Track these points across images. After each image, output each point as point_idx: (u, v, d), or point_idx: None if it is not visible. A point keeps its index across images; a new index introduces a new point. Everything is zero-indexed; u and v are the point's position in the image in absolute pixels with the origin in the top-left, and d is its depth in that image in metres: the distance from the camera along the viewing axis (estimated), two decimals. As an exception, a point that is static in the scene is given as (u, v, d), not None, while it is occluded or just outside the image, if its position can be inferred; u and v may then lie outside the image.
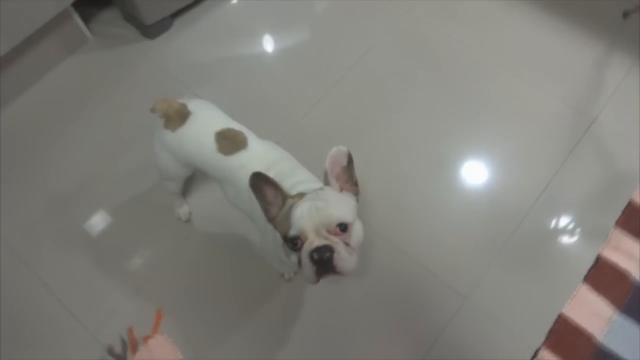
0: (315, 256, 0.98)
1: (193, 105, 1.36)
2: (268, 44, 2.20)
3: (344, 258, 0.99)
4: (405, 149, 1.89)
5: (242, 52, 2.15)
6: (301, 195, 1.08)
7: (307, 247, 1.00)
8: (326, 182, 1.10)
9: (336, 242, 1.00)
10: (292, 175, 1.25)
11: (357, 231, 1.06)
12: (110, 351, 1.55)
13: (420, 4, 2.23)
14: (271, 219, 1.11)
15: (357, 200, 1.13)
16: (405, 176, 1.84)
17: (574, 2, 2.20)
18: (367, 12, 2.23)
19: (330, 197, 1.05)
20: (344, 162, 1.08)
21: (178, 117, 1.33)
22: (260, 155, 1.29)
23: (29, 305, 1.64)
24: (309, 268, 1.00)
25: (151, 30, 2.16)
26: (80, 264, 1.71)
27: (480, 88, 2.02)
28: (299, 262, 1.03)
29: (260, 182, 1.05)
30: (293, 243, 1.02)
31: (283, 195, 1.08)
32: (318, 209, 1.02)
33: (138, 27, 2.19)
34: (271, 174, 1.12)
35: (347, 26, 2.21)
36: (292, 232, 1.01)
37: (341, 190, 1.10)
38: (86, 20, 2.18)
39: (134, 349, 1.55)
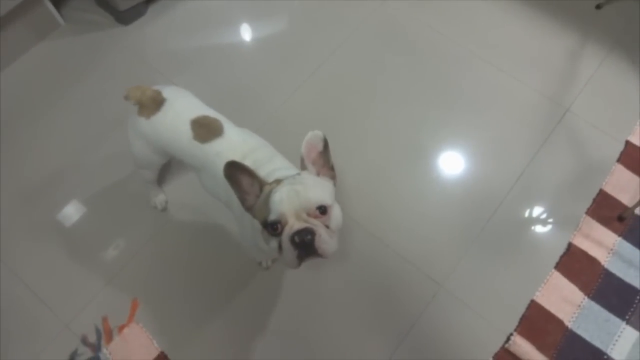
0: (297, 239, 0.98)
1: (168, 92, 1.34)
2: (246, 33, 2.17)
3: (325, 240, 1.00)
4: (382, 138, 1.90)
5: (219, 41, 2.13)
6: (278, 181, 1.08)
7: (288, 231, 1.00)
8: (303, 167, 1.10)
9: (316, 224, 1.01)
10: (269, 162, 1.24)
11: (336, 214, 1.07)
12: (84, 340, 1.54)
13: (399, -7, 2.24)
14: (248, 208, 1.10)
15: (335, 185, 1.13)
16: (382, 164, 1.85)
17: (549, -7, 2.23)
18: (344, 1, 2.22)
19: (309, 181, 1.06)
20: (320, 146, 1.08)
21: (152, 104, 1.31)
22: (236, 143, 1.28)
23: (2, 298, 1.61)
24: (290, 252, 1.00)
25: (125, 17, 2.12)
26: (54, 255, 1.68)
27: (456, 77, 2.03)
28: (280, 247, 1.03)
29: (235, 170, 1.05)
30: (273, 228, 1.02)
31: (260, 183, 1.08)
32: (297, 192, 1.02)
33: (112, 12, 2.14)
34: (248, 162, 1.11)
35: (325, 15, 2.19)
36: (272, 217, 1.01)
37: (318, 174, 1.11)
38: (57, 5, 2.12)
39: (109, 339, 1.53)
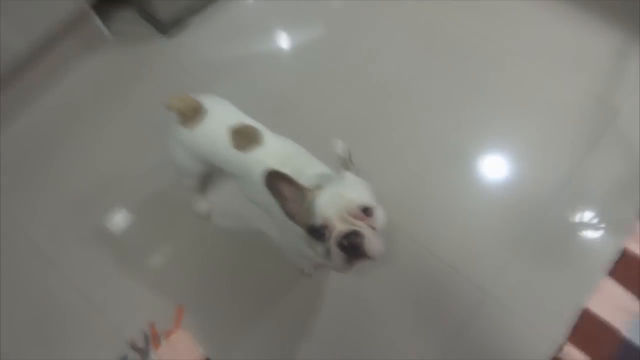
0: (345, 242, 0.98)
1: (208, 101, 1.37)
2: (283, 41, 2.19)
3: (373, 242, 0.99)
4: (421, 141, 1.88)
5: (258, 50, 2.15)
6: (319, 187, 1.08)
7: (336, 235, 0.99)
8: (345, 168, 1.10)
9: (362, 226, 1.00)
10: (308, 168, 1.25)
11: (380, 215, 1.06)
12: (133, 345, 1.58)
13: (437, -4, 2.21)
14: (291, 216, 1.11)
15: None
16: (423, 168, 1.82)
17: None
18: (380, 6, 2.21)
19: (350, 183, 1.06)
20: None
21: (193, 113, 1.34)
22: (275, 150, 1.29)
23: (56, 303, 1.68)
24: (339, 256, 1.00)
25: (168, 28, 2.18)
26: (103, 261, 1.73)
27: (497, 78, 1.99)
28: (327, 253, 1.03)
29: (275, 180, 1.05)
30: (319, 233, 1.02)
31: (301, 190, 1.08)
32: (340, 195, 1.02)
33: (155, 25, 2.20)
34: (287, 169, 1.12)
35: (362, 19, 2.19)
36: (317, 222, 1.01)
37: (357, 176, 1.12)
38: (104, 19, 2.20)
39: (157, 344, 1.57)
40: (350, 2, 2.25)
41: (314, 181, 1.15)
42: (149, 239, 1.77)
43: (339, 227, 1.00)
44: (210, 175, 1.77)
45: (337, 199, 1.02)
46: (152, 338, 1.58)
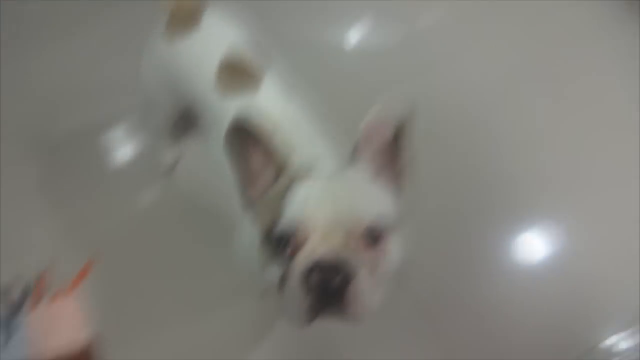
0: (315, 277, 0.57)
1: (212, 13, 0.97)
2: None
3: (365, 291, 0.58)
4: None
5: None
6: (308, 171, 0.67)
7: (305, 259, 0.59)
8: (359, 157, 0.67)
9: (357, 259, 0.60)
10: (309, 145, 0.85)
11: (395, 248, 0.65)
12: (5, 292, 1.17)
13: None
14: (248, 201, 0.70)
15: (399, 202, 0.71)
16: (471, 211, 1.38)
17: None
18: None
19: (359, 184, 0.65)
20: (390, 132, 0.67)
21: (185, 19, 0.95)
22: (272, 104, 0.89)
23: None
24: (297, 297, 0.59)
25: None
26: (34, 174, 1.35)
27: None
28: (281, 282, 0.62)
29: (243, 135, 0.65)
30: (280, 243, 0.62)
31: (278, 165, 0.67)
32: (337, 196, 0.62)
33: None
34: (278, 135, 0.72)
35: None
36: (284, 224, 0.61)
37: (377, 176, 0.69)
38: None
39: (35, 303, 1.16)
40: None
41: (306, 165, 0.74)
42: (90, 172, 1.38)
43: (316, 245, 0.59)
44: (185, 117, 1.38)
45: (331, 198, 0.62)
46: (35, 292, 1.18)
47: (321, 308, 0.58)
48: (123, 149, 1.40)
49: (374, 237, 0.61)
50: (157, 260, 1.25)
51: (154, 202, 1.32)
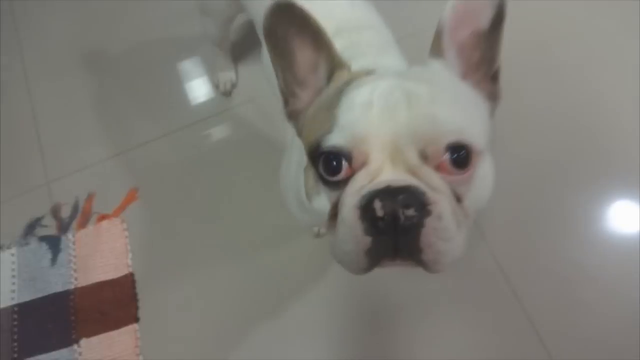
0: (378, 209, 0.41)
1: None
2: None
3: (446, 231, 0.42)
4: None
5: None
6: (369, 73, 0.51)
7: (365, 180, 0.44)
8: (442, 49, 0.50)
9: (437, 188, 0.43)
10: (376, 55, 0.67)
11: (485, 175, 0.48)
12: (55, 211, 1.14)
13: None
14: (292, 113, 0.55)
15: (493, 114, 0.53)
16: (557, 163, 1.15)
17: None
18: None
19: (441, 85, 0.48)
20: (486, 20, 0.48)
21: None
22: (337, 5, 0.72)
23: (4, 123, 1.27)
24: (354, 235, 0.43)
25: None
26: (79, 97, 1.29)
27: None
28: (332, 217, 0.47)
29: (287, 17, 0.49)
30: (330, 164, 0.46)
31: (332, 63, 0.51)
32: (409, 101, 0.44)
33: None
34: (340, 43, 0.55)
35: None
36: (337, 137, 0.45)
37: (464, 77, 0.51)
38: None
39: (83, 223, 1.12)
40: None
41: (369, 69, 0.56)
42: (138, 95, 1.29)
43: (379, 167, 0.44)
44: (250, 38, 1.23)
45: (402, 102, 0.44)
46: (82, 214, 1.13)
47: (384, 251, 0.43)
48: (182, 76, 1.30)
49: (459, 159, 0.44)
50: (208, 195, 1.15)
51: (207, 125, 1.21)
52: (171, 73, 1.31)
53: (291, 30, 0.50)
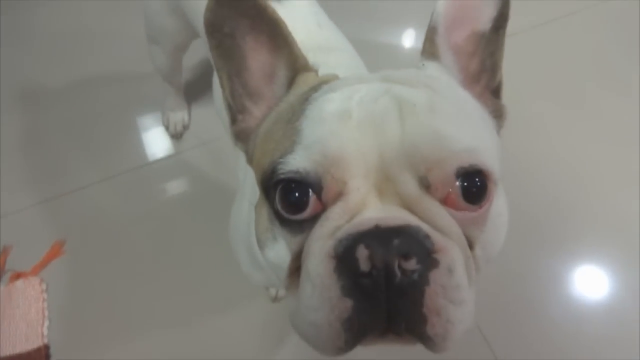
0: (366, 259, 0.29)
1: None
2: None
3: (458, 290, 0.30)
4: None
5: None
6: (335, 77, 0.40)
7: (340, 219, 0.32)
8: (430, 54, 0.40)
9: (446, 228, 0.32)
10: (344, 69, 0.57)
11: (499, 213, 0.36)
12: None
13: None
14: (243, 131, 0.42)
15: (498, 131, 0.42)
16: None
17: None
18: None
19: (442, 90, 0.36)
20: (486, 20, 0.40)
21: None
22: (301, 23, 0.62)
23: None
24: (328, 298, 0.30)
25: None
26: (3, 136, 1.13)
27: None
28: (293, 271, 0.35)
29: (239, 11, 0.38)
30: (291, 199, 0.33)
31: (294, 64, 0.40)
32: (402, 106, 0.33)
33: None
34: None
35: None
36: (297, 161, 0.33)
37: (464, 89, 0.40)
38: None
39: (-6, 280, 0.93)
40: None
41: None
42: (83, 139, 1.14)
43: (361, 201, 0.32)
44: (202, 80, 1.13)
45: (392, 117, 0.33)
46: (-6, 269, 0.94)
47: (371, 322, 0.30)
48: (129, 117, 1.16)
49: (473, 190, 0.32)
50: (147, 252, 0.99)
51: (154, 180, 1.06)
52: (116, 113, 1.17)
53: (242, 24, 0.38)
